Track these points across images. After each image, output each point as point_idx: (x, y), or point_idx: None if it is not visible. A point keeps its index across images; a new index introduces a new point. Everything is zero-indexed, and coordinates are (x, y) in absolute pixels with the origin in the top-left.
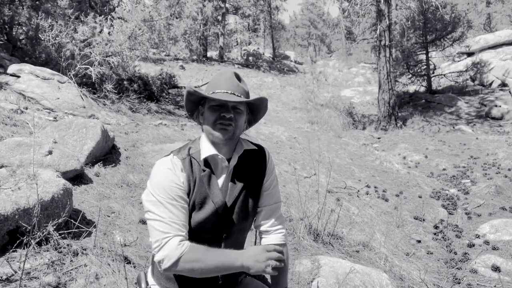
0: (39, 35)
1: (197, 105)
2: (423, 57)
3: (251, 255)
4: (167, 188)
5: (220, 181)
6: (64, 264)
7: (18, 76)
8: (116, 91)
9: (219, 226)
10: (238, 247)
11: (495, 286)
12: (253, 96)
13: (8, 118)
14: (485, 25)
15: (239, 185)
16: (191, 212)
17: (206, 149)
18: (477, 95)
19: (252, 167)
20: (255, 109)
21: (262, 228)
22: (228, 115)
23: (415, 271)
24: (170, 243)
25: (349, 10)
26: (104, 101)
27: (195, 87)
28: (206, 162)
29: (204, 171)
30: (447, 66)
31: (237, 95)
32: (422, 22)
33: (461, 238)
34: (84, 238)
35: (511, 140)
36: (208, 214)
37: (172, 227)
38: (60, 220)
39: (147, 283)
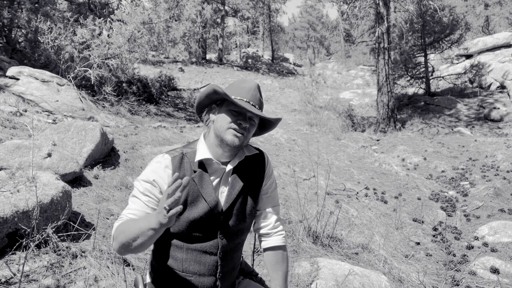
0: (38, 38)
1: (212, 103)
2: (422, 59)
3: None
4: (143, 184)
5: (215, 181)
6: (63, 266)
7: (17, 79)
8: (115, 94)
9: (214, 227)
10: (236, 248)
11: None
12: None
13: (7, 120)
14: (484, 28)
15: (237, 189)
16: (182, 210)
17: (202, 152)
18: (476, 97)
19: (250, 171)
20: (266, 126)
21: (262, 231)
22: (244, 124)
23: (414, 273)
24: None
25: (348, 12)
26: (103, 104)
27: (195, 89)
28: (201, 163)
29: (195, 172)
30: (445, 68)
31: (257, 108)
32: (421, 25)
33: (460, 240)
34: (83, 240)
35: (510, 142)
36: (201, 213)
37: (128, 218)
38: (59, 223)
39: (144, 286)
